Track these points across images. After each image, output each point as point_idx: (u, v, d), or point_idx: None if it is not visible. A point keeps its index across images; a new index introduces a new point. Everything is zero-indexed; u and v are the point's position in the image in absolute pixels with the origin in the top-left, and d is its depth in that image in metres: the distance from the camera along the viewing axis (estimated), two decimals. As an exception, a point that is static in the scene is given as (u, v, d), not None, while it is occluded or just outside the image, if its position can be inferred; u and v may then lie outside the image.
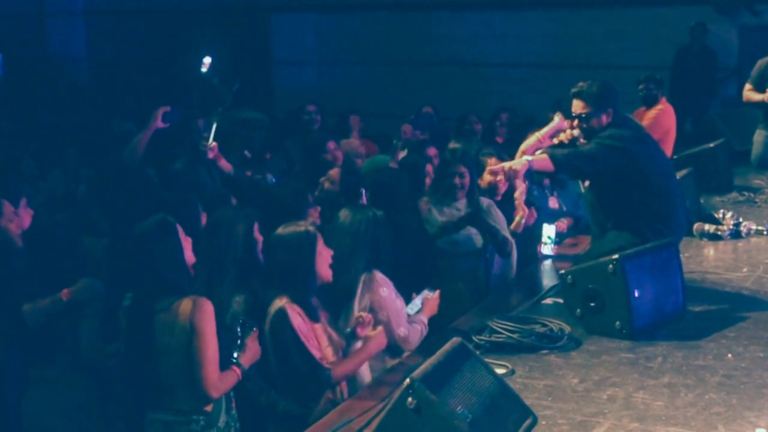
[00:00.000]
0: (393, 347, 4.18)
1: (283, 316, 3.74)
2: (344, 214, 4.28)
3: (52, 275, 4.12)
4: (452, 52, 12.45)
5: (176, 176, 6.11)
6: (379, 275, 4.20)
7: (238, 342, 3.61)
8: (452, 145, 6.61)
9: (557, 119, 5.25)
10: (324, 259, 3.91)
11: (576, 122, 4.88)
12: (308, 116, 7.85)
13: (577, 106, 4.85)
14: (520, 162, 4.74)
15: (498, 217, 5.44)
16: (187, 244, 3.65)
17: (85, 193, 5.85)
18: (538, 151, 4.86)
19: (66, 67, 12.51)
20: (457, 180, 5.44)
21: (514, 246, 5.44)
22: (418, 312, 4.40)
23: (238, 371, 3.57)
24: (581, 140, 4.91)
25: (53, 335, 4.09)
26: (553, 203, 6.35)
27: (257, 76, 12.79)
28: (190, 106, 8.17)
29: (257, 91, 11.67)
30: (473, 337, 4.11)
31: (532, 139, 5.48)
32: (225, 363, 3.53)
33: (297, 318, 3.75)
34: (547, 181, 6.47)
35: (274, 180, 6.30)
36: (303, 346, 3.72)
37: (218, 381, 3.46)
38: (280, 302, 3.79)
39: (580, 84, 4.87)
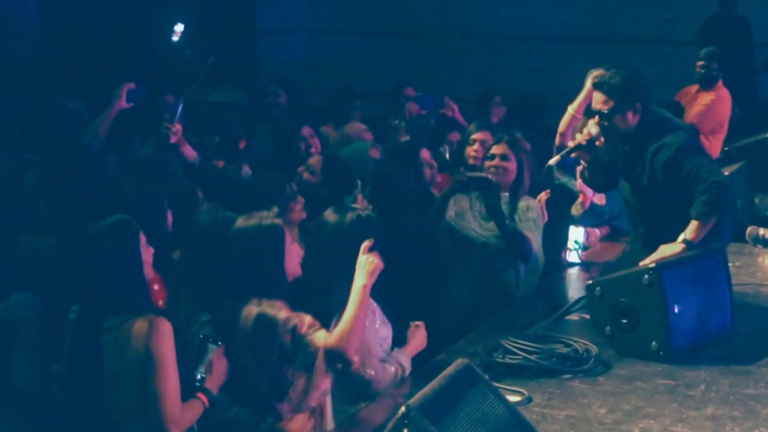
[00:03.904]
0: (360, 389, 4.14)
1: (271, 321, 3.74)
2: (326, 215, 4.31)
3: None
4: (467, 21, 12.42)
5: (141, 164, 6.11)
6: None
7: (202, 361, 3.57)
8: None
9: (589, 83, 5.23)
10: (293, 256, 3.92)
11: (596, 119, 4.83)
12: (270, 99, 7.73)
13: (598, 100, 4.76)
14: (672, 249, 4.52)
15: (531, 221, 5.38)
16: (148, 255, 3.61)
17: (32, 183, 5.85)
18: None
19: (12, 33, 12.47)
20: (496, 163, 5.41)
21: (535, 247, 5.40)
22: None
23: (205, 399, 3.52)
24: (600, 141, 4.87)
25: None
26: (599, 199, 6.34)
27: (239, 46, 12.78)
28: (157, 82, 8.15)
29: (239, 65, 11.65)
30: (483, 358, 4.09)
31: (566, 116, 5.48)
32: (187, 387, 3.49)
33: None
34: None
35: (251, 173, 6.29)
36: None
37: (181, 415, 3.40)
38: (257, 308, 3.77)
39: (602, 73, 4.79)
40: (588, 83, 5.42)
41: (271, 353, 3.74)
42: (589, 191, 5.94)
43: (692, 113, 7.90)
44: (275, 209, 4.00)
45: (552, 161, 5.03)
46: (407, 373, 4.29)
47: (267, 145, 7.02)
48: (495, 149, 5.52)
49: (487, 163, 5.48)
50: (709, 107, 7.95)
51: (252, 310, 3.80)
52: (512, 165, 5.47)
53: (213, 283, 3.97)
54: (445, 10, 12.48)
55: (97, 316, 3.47)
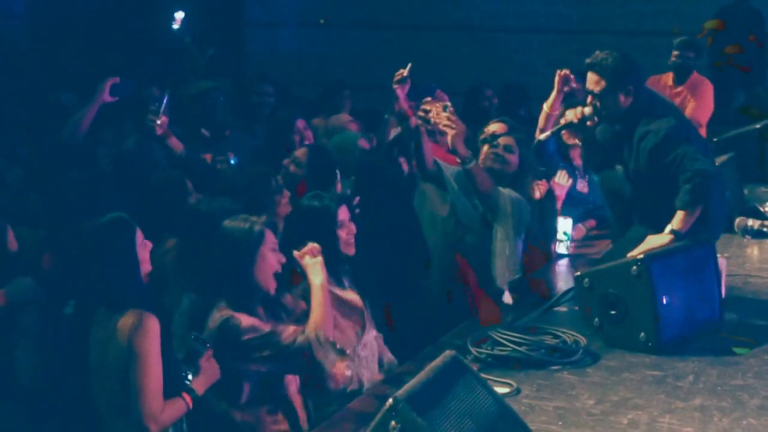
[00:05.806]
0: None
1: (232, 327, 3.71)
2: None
3: None
4: (459, 13, 12.41)
5: (124, 155, 6.11)
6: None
7: (191, 362, 3.57)
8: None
9: (556, 81, 5.26)
10: (268, 265, 3.83)
11: (589, 99, 4.87)
12: (260, 98, 7.56)
13: (591, 81, 4.82)
14: (659, 240, 4.54)
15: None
16: (145, 251, 3.63)
17: (20, 177, 5.85)
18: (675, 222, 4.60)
19: (1, 26, 12.44)
20: (498, 151, 5.34)
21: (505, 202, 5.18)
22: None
23: (189, 399, 3.52)
24: (592, 121, 4.88)
25: None
26: (582, 186, 6.32)
27: (228, 39, 12.74)
28: (153, 74, 8.13)
29: (228, 57, 11.62)
30: (471, 350, 4.12)
31: (542, 114, 5.49)
32: (175, 386, 3.49)
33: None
34: (579, 162, 6.37)
35: (234, 160, 6.26)
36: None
37: (160, 413, 3.40)
38: (220, 313, 3.75)
39: (596, 54, 4.84)
40: (556, 80, 5.45)
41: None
42: (561, 188, 5.91)
43: (698, 109, 7.80)
44: (264, 217, 3.99)
45: (543, 135, 5.03)
46: None
47: (257, 137, 7.00)
48: (502, 139, 5.46)
49: (490, 150, 5.41)
50: (705, 100, 7.87)
51: (217, 315, 3.75)
52: (514, 158, 5.39)
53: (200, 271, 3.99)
54: (436, 3, 12.46)
55: (90, 310, 3.50)
